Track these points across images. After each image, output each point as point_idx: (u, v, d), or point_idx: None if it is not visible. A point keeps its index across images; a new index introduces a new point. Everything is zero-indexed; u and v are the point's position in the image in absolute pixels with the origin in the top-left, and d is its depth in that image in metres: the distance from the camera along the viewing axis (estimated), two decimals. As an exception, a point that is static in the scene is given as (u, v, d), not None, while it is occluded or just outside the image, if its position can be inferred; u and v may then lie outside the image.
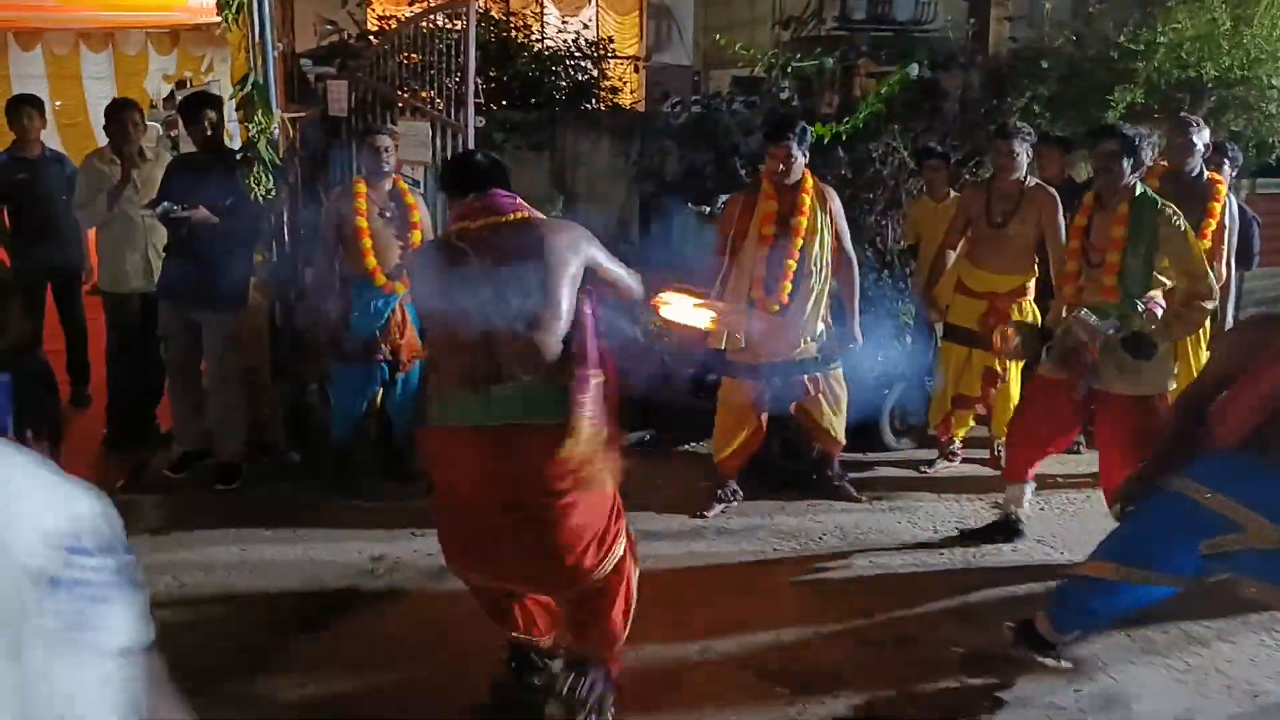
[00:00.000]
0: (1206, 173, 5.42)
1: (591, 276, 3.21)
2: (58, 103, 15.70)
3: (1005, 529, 5.01)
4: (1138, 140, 4.42)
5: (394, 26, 7.48)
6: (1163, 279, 4.44)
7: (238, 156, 5.50)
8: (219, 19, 5.46)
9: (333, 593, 4.32)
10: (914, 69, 7.20)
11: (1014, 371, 5.81)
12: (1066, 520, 5.28)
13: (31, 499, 1.10)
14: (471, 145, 6.50)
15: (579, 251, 3.16)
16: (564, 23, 11.03)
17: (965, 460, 6.10)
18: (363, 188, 5.21)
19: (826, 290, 5.20)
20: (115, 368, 5.88)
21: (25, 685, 1.03)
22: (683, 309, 3.88)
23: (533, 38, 9.05)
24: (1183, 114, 5.95)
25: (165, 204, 5.10)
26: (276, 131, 5.56)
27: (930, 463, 6.05)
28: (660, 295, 3.75)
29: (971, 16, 8.47)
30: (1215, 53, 6.71)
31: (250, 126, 5.46)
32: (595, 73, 9.13)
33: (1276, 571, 3.23)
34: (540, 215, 3.33)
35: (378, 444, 5.62)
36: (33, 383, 5.04)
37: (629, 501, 3.42)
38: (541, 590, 3.35)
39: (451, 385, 3.12)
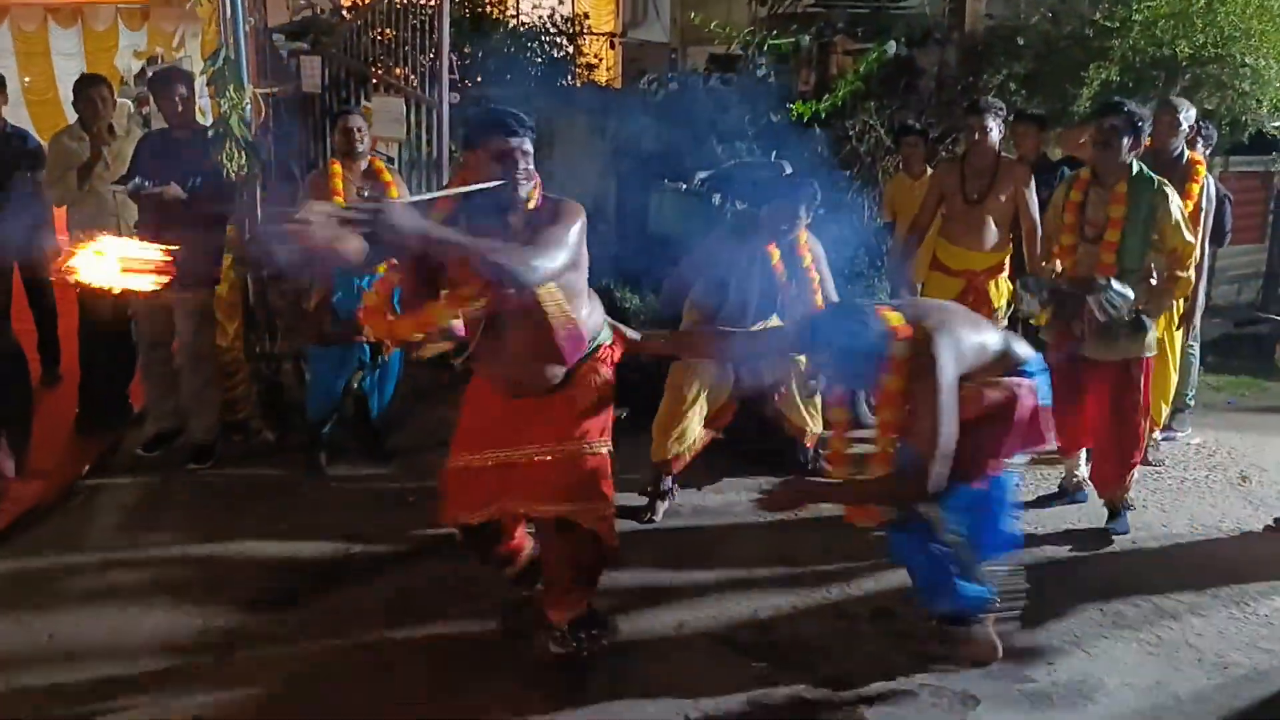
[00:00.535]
0: (1188, 153, 5.44)
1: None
2: (26, 79, 15.50)
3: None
4: (1139, 119, 4.48)
5: (367, 2, 7.41)
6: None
7: (209, 133, 5.44)
8: (190, -7, 5.40)
9: (307, 571, 4.30)
10: (891, 46, 7.20)
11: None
12: (1041, 495, 5.32)
13: None
14: (446, 123, 6.48)
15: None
16: (539, -1, 10.96)
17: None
18: (339, 169, 5.15)
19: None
20: (87, 347, 5.81)
21: None
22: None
23: (507, 14, 9.00)
24: (1171, 96, 6.01)
25: (136, 180, 5.03)
26: (249, 108, 5.50)
27: (906, 439, 6.06)
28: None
29: (948, -7, 8.45)
30: (1189, 30, 6.72)
31: (222, 102, 5.39)
32: (571, 49, 9.09)
33: None
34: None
35: (354, 423, 5.59)
36: (4, 362, 5.00)
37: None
38: (541, 499, 3.36)
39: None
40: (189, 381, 5.45)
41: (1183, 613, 4.12)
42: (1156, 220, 4.47)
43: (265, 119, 5.81)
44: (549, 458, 3.31)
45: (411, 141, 6.65)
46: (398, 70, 6.63)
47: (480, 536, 3.60)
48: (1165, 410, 5.62)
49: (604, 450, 3.40)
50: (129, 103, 13.83)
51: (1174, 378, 5.57)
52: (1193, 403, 6.37)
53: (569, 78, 8.81)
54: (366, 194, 5.10)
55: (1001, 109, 5.64)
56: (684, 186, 6.25)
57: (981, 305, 5.66)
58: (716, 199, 5.95)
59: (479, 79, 7.95)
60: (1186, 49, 6.67)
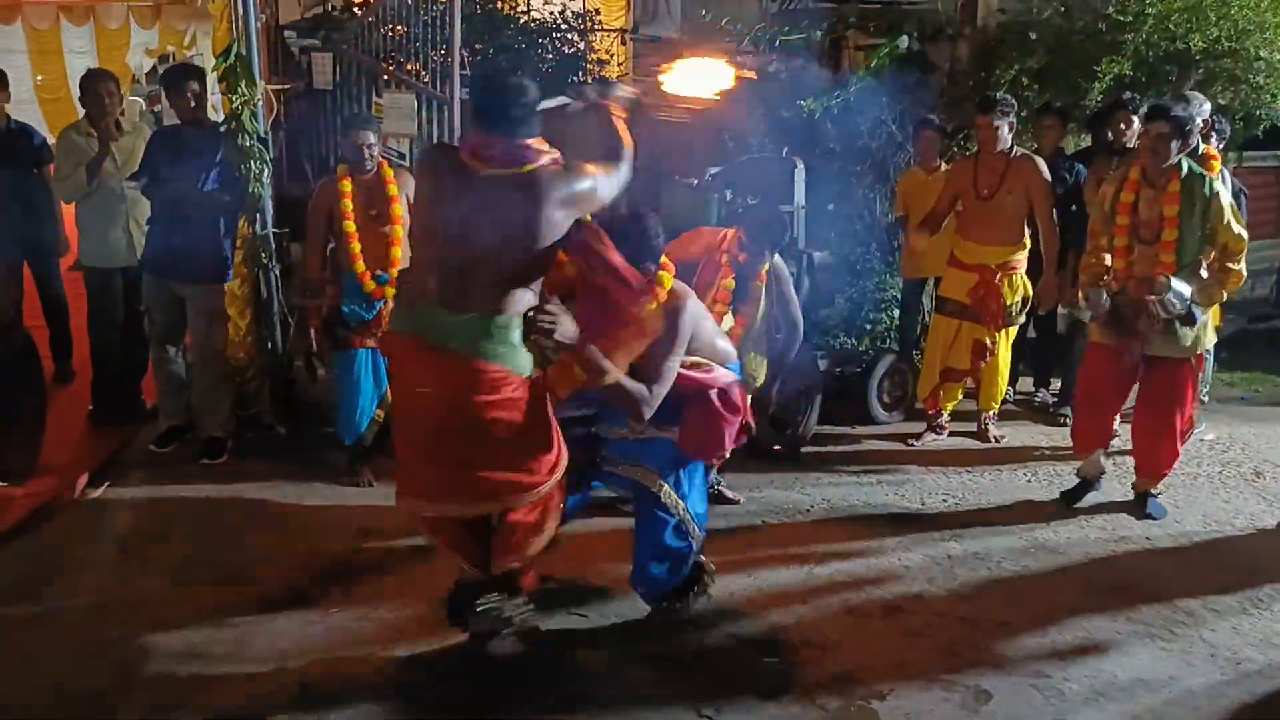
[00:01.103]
0: (1203, 147, 5.41)
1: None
2: (39, 77, 15.55)
3: (1082, 491, 5.18)
4: (1188, 122, 4.56)
5: (378, -2, 7.41)
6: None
7: (221, 129, 5.45)
8: (202, -9, 5.41)
9: (320, 566, 4.31)
10: (903, 41, 7.15)
11: (1004, 345, 5.83)
12: (1054, 492, 5.30)
13: None
14: (458, 118, 6.47)
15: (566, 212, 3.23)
16: (550, -5, 10.94)
17: (953, 433, 6.11)
18: (348, 186, 5.05)
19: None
20: (99, 343, 5.83)
21: None
22: None
23: (519, 10, 8.99)
24: (1184, 90, 6.00)
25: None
26: (260, 104, 5.51)
27: (918, 436, 6.06)
28: None
29: (960, -12, 8.41)
30: (1203, 24, 6.68)
31: (234, 99, 5.40)
32: (582, 45, 9.07)
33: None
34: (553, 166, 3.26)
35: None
36: (17, 359, 5.01)
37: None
38: (472, 504, 3.40)
39: (417, 296, 3.27)
40: (201, 377, 5.47)
41: (1196, 609, 4.10)
42: (1210, 216, 4.54)
43: (277, 115, 5.81)
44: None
45: (423, 138, 6.63)
46: (409, 66, 6.62)
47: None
48: None
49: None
50: (140, 100, 13.89)
51: None
52: (1206, 398, 6.36)
53: (580, 74, 8.80)
54: (375, 212, 5.04)
55: (1011, 105, 5.63)
56: (695, 182, 6.23)
57: (993, 300, 5.66)
58: (728, 194, 5.94)
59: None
60: (1200, 43, 6.62)
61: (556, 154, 3.27)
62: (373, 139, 5.11)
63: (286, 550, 4.45)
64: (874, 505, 5.12)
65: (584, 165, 3.28)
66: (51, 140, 6.34)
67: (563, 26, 9.00)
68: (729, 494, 5.08)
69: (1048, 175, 5.63)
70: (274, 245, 5.74)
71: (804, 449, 5.78)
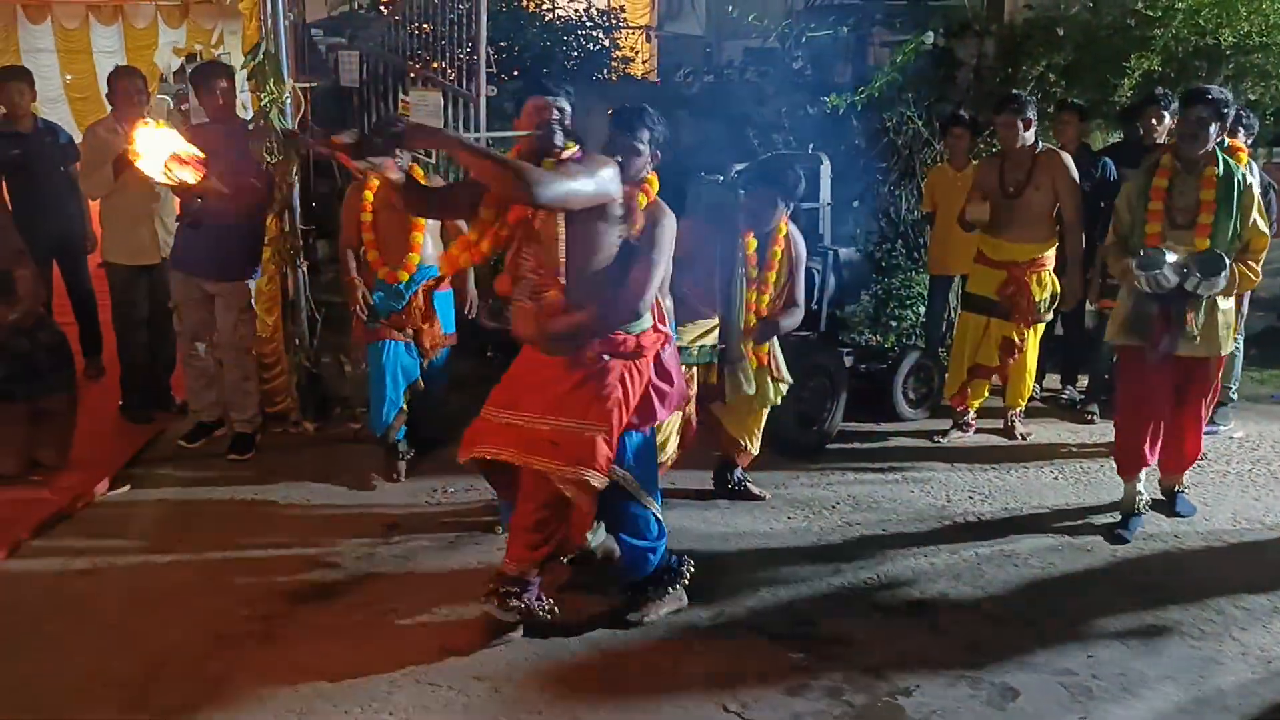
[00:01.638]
0: (1229, 140, 5.37)
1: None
2: (68, 76, 15.73)
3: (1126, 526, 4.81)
4: (1225, 105, 4.50)
5: (405, -4, 7.45)
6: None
7: (249, 126, 5.49)
8: (229, -9, 5.45)
9: (348, 561, 4.34)
10: (929, 37, 7.13)
11: (1032, 342, 5.80)
12: (1081, 490, 5.28)
13: None
14: (484, 116, 6.51)
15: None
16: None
17: (979, 431, 6.09)
18: (369, 195, 5.04)
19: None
20: (125, 340, 5.88)
21: None
22: None
23: (544, 8, 9.02)
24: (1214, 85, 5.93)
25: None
26: (289, 101, 5.54)
27: (944, 432, 6.04)
28: None
29: (986, -17, 8.37)
30: (1233, 19, 6.63)
31: (262, 96, 5.44)
32: (607, 43, 9.10)
33: None
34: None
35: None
36: (49, 353, 5.07)
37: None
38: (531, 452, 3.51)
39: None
40: (229, 373, 5.51)
41: (1226, 607, 4.07)
42: (1244, 207, 4.50)
43: (304, 113, 5.84)
44: (545, 428, 3.49)
45: (448, 135, 6.67)
46: (435, 64, 6.66)
47: (496, 473, 3.75)
48: None
49: (600, 435, 3.47)
50: (168, 99, 14.00)
51: None
52: (1236, 396, 6.31)
53: (605, 71, 8.82)
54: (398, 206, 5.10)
55: (1025, 102, 5.60)
56: (720, 179, 6.23)
57: (1022, 297, 5.64)
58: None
59: (516, 72, 7.97)
60: (1230, 38, 6.57)
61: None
62: (404, 161, 5.10)
63: (313, 545, 4.48)
64: (899, 502, 5.11)
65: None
66: (78, 138, 6.41)
67: (588, 24, 9.03)
68: (755, 490, 5.08)
69: (1074, 170, 5.60)
70: (301, 242, 5.77)
71: (829, 445, 5.77)
